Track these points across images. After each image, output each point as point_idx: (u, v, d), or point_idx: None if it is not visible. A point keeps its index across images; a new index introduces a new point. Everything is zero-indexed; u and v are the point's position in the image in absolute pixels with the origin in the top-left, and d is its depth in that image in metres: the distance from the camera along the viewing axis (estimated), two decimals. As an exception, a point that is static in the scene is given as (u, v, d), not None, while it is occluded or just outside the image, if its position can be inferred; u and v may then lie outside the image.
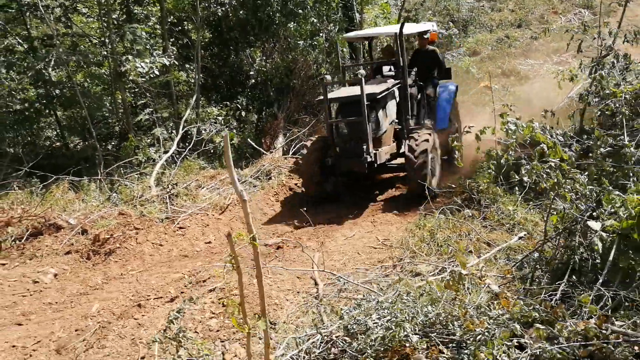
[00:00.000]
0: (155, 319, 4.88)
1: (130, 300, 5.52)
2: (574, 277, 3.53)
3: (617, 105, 4.45)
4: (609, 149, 4.03)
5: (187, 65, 14.57)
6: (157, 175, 10.04)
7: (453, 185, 7.48)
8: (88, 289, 6.08)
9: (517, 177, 3.59)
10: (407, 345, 2.90)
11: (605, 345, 2.44)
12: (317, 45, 14.48)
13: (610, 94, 4.60)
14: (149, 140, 12.25)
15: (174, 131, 12.98)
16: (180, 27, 15.06)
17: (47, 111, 14.22)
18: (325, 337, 3.42)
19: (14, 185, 9.33)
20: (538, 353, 2.49)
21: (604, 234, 3.18)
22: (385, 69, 9.68)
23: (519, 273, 4.21)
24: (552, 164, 3.30)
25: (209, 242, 7.46)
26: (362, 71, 7.78)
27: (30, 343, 4.72)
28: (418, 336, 2.95)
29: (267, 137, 12.88)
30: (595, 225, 3.20)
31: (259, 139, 13.07)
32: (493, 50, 20.60)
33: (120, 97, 13.45)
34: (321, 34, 14.58)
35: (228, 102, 14.37)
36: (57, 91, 13.53)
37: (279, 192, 9.34)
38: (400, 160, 8.76)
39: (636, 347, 2.41)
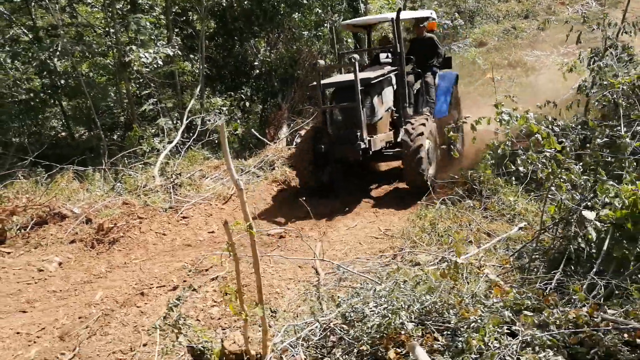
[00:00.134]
0: (158, 307, 4.93)
1: (133, 288, 5.58)
2: (571, 266, 3.56)
3: (615, 96, 4.45)
4: (605, 139, 4.04)
5: (191, 56, 14.58)
6: (161, 165, 10.09)
7: (455, 176, 7.47)
8: (92, 277, 6.15)
9: (513, 167, 3.61)
10: (403, 332, 2.93)
11: (595, 332, 2.47)
12: (322, 35, 14.46)
13: (607, 85, 4.59)
14: (153, 131, 12.30)
15: (178, 121, 13.03)
16: (184, 18, 15.05)
17: (52, 101, 14.28)
18: (324, 325, 3.46)
19: (19, 175, 9.38)
20: (528, 340, 2.52)
21: (598, 224, 3.20)
22: (383, 56, 9.52)
23: (517, 263, 4.24)
24: (547, 154, 3.31)
25: (212, 232, 7.50)
26: (355, 55, 7.59)
27: (35, 330, 4.78)
28: (413, 324, 2.99)
29: (271, 128, 12.89)
30: (589, 215, 3.22)
31: (263, 130, 13.09)
32: (499, 41, 20.49)
33: (124, 87, 13.48)
34: (326, 25, 14.56)
35: (232, 93, 14.40)
36: (62, 81, 13.58)
37: (282, 182, 9.36)
38: (398, 148, 8.57)
39: (625, 335, 2.44)
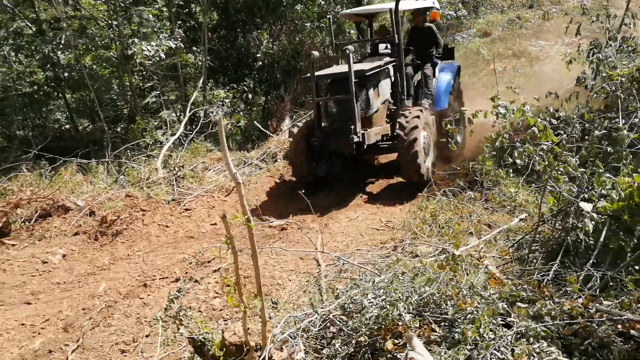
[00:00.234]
0: (160, 299, 4.98)
1: (136, 280, 5.63)
2: (570, 257, 3.58)
3: (614, 88, 4.45)
4: (604, 131, 4.04)
5: (194, 48, 14.57)
6: (164, 158, 10.14)
7: (457, 167, 7.48)
8: (95, 269, 6.20)
9: (510, 159, 3.62)
10: (400, 324, 2.96)
11: (589, 323, 2.49)
12: (324, 27, 14.41)
13: (606, 76, 4.58)
14: (156, 123, 12.33)
15: (181, 114, 13.05)
16: (187, 10, 15.02)
17: (56, 94, 14.33)
18: (323, 316, 3.49)
19: (23, 168, 9.44)
20: (523, 331, 2.54)
21: (595, 216, 3.22)
22: (382, 47, 9.35)
23: (516, 254, 4.26)
24: (544, 147, 3.32)
25: (215, 224, 7.54)
26: (350, 47, 7.40)
27: (39, 321, 4.84)
28: (411, 315, 3.01)
29: (273, 120, 12.89)
30: (586, 207, 3.23)
31: (266, 122, 13.10)
32: (504, 31, 20.40)
33: (127, 79, 13.51)
34: (328, 16, 14.51)
35: (235, 85, 14.39)
36: (66, 74, 13.61)
37: (284, 174, 9.37)
38: (394, 141, 8.24)
39: (619, 326, 2.46)
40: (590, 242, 3.36)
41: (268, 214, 7.36)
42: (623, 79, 4.33)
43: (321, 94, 8.40)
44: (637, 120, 3.97)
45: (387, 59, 8.48)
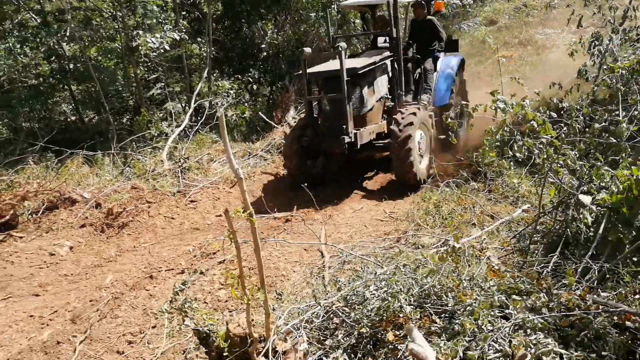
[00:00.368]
0: (166, 290, 5.04)
1: (142, 272, 5.70)
2: (570, 249, 3.61)
3: (614, 80, 4.44)
4: (604, 124, 4.05)
5: (198, 39, 14.59)
6: (169, 149, 10.20)
7: (462, 158, 7.48)
8: (102, 261, 6.28)
9: (510, 152, 3.65)
10: (401, 315, 3.00)
11: (585, 315, 2.53)
12: (329, 17, 14.36)
13: (607, 69, 4.56)
14: (161, 115, 12.39)
15: (186, 105, 13.09)
16: (191, 0, 15.02)
17: (61, 86, 14.40)
18: (326, 308, 3.53)
19: (30, 160, 9.54)
20: (520, 323, 2.58)
21: (594, 208, 3.24)
22: (380, 40, 9.10)
23: (518, 245, 4.29)
24: (543, 140, 3.33)
25: (220, 215, 7.58)
26: (342, 44, 7.13)
27: (47, 313, 4.92)
28: (412, 307, 3.05)
29: (278, 110, 12.90)
30: (586, 199, 3.26)
31: (271, 112, 13.11)
32: (510, 19, 20.23)
33: (132, 71, 13.54)
34: (333, 6, 14.46)
35: (240, 76, 14.40)
36: (71, 66, 13.67)
37: (289, 165, 9.38)
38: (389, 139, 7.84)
39: (615, 317, 2.49)
40: (590, 234, 3.39)
41: (272, 206, 7.38)
42: (623, 72, 4.32)
43: (314, 92, 8.19)
44: (637, 112, 3.97)
45: (386, 53, 8.21)
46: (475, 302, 2.80)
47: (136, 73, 13.41)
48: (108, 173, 9.35)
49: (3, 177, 8.37)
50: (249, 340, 3.11)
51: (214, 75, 14.23)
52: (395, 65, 8.19)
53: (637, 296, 2.67)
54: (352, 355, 2.97)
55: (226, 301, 4.76)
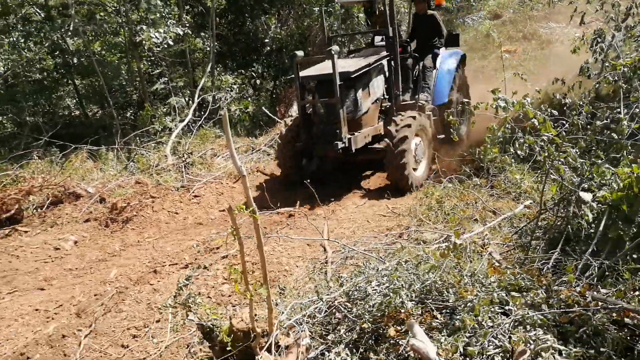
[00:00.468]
0: (170, 285, 5.08)
1: (146, 266, 5.74)
2: (572, 245, 3.63)
3: (616, 77, 4.45)
4: (605, 121, 4.06)
5: (202, 33, 14.59)
6: (173, 144, 10.23)
7: (465, 154, 7.49)
8: (106, 255, 6.33)
9: (512, 149, 3.67)
10: (403, 311, 3.03)
11: (584, 312, 2.56)
12: (332, 11, 14.36)
13: (609, 66, 4.56)
14: (165, 109, 12.42)
15: (189, 100, 13.11)
16: (194, -6, 15.04)
17: (65, 80, 14.45)
18: (329, 303, 3.56)
19: (34, 155, 9.59)
20: (520, 319, 2.61)
21: (594, 205, 3.26)
22: (378, 39, 8.88)
23: (519, 241, 4.31)
24: (544, 138, 3.35)
25: (223, 210, 7.62)
26: (334, 47, 6.93)
27: (52, 307, 4.97)
28: (413, 303, 3.08)
29: (281, 105, 12.93)
30: (586, 196, 3.28)
31: (274, 107, 13.14)
32: (514, 13, 20.15)
33: (136, 65, 13.57)
34: (336, 1, 14.44)
35: (243, 70, 14.41)
36: (75, 60, 13.70)
37: (292, 160, 9.39)
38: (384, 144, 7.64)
39: (614, 314, 2.51)
40: (591, 230, 3.41)
41: (275, 201, 7.40)
42: (625, 69, 4.32)
43: (307, 95, 8.04)
44: (638, 110, 3.98)
45: (383, 52, 8.02)
46: (475, 299, 2.83)
47: (140, 67, 13.44)
48: (112, 168, 9.40)
49: (8, 172, 8.42)
50: (252, 335, 3.14)
51: (218, 69, 14.24)
52: (393, 65, 8.02)
53: (636, 293, 2.70)
54: (354, 350, 3.01)
55: (229, 296, 4.79)
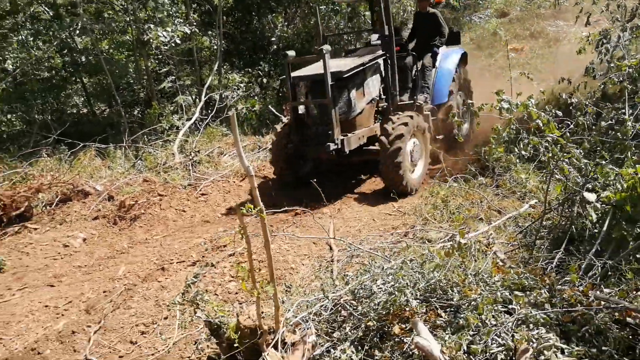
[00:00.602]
0: (178, 282, 5.13)
1: (154, 264, 5.79)
2: (576, 245, 3.65)
3: (621, 78, 4.46)
4: (610, 122, 4.08)
5: (209, 32, 14.65)
6: (180, 143, 10.30)
7: (471, 153, 7.50)
8: (115, 253, 6.39)
9: (516, 150, 3.70)
10: (407, 309, 3.07)
11: (587, 311, 2.59)
12: (339, 10, 14.38)
13: (614, 67, 4.57)
14: (172, 108, 12.48)
15: (197, 98, 13.17)
16: (202, -7, 15.08)
17: (74, 78, 14.54)
18: (334, 301, 3.60)
19: (43, 153, 9.67)
20: (523, 318, 2.65)
21: (598, 205, 3.29)
22: (374, 37, 8.66)
23: (524, 240, 4.33)
24: (549, 139, 3.38)
25: (230, 208, 7.68)
26: (326, 46, 6.83)
27: (62, 303, 5.03)
28: (418, 301, 3.12)
29: (288, 104, 12.93)
30: (590, 196, 3.31)
31: (281, 105, 13.17)
32: (522, 11, 20.10)
33: (143, 64, 13.64)
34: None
35: (250, 69, 14.45)
36: (83, 59, 13.79)
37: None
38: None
39: (616, 313, 2.55)
40: (595, 231, 3.44)
41: (281, 199, 7.43)
42: (630, 70, 4.33)
43: (299, 97, 7.91)
44: (641, 111, 4.00)
45: (380, 51, 7.85)
46: (479, 297, 2.87)
47: (147, 66, 13.51)
48: (120, 166, 9.47)
49: (17, 170, 8.51)
50: (259, 332, 3.19)
51: (225, 68, 14.29)
52: (389, 64, 7.85)
53: (639, 293, 2.73)
54: (359, 348, 3.05)
55: (236, 293, 4.83)
